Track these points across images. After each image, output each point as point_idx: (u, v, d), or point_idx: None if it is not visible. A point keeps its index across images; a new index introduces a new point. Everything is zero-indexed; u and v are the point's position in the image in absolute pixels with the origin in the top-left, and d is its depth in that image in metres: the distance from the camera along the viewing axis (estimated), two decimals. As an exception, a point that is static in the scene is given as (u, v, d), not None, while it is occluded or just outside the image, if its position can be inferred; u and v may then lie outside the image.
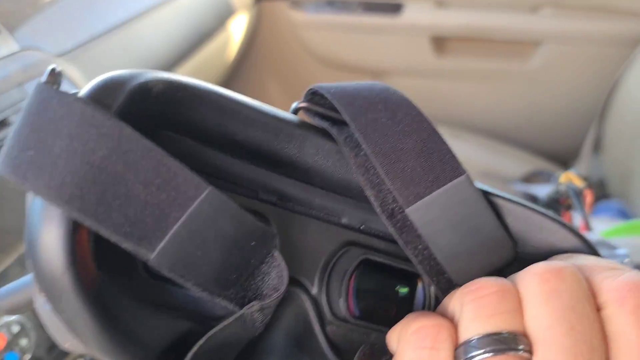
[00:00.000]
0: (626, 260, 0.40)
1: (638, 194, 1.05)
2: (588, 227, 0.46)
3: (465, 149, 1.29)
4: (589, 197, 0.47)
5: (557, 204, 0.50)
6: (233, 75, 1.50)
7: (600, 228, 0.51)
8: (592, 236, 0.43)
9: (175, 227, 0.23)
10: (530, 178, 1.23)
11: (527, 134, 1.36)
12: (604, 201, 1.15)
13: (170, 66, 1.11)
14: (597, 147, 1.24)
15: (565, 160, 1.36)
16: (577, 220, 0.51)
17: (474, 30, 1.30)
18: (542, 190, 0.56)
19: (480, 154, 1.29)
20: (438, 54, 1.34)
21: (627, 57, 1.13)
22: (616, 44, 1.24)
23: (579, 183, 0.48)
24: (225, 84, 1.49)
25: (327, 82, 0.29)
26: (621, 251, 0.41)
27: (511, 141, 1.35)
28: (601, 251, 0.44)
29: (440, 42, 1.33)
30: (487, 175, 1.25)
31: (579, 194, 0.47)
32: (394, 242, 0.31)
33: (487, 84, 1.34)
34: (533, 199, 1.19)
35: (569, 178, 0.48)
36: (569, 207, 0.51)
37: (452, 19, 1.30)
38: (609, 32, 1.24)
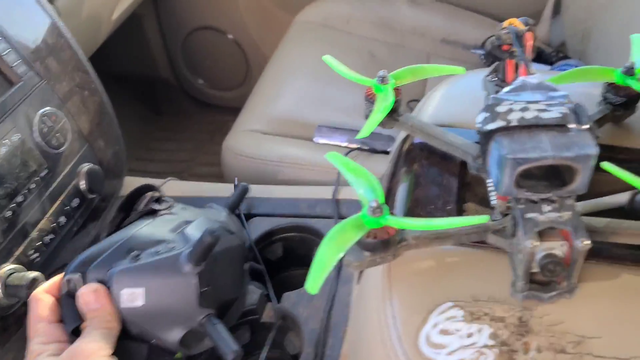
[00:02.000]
0: (565, 100, 0.40)
1: (596, 51, 1.05)
2: (528, 71, 0.46)
3: (425, 16, 1.27)
4: (529, 40, 0.47)
5: (500, 51, 0.49)
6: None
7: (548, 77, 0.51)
8: (533, 79, 0.43)
9: None
10: (490, 43, 1.22)
11: (488, -2, 1.33)
12: (563, 61, 1.15)
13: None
14: (558, 9, 1.22)
15: (527, 25, 1.33)
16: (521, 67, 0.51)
17: None
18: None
19: (440, 20, 1.26)
20: None
21: None
22: None
23: (521, 27, 0.47)
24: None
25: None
26: (559, 93, 0.41)
27: (472, 7, 1.32)
28: (539, 94, 0.44)
29: None
30: (447, 42, 1.23)
31: (519, 36, 0.46)
32: None
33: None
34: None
35: (511, 23, 0.47)
36: (512, 54, 0.50)
37: None
38: None
